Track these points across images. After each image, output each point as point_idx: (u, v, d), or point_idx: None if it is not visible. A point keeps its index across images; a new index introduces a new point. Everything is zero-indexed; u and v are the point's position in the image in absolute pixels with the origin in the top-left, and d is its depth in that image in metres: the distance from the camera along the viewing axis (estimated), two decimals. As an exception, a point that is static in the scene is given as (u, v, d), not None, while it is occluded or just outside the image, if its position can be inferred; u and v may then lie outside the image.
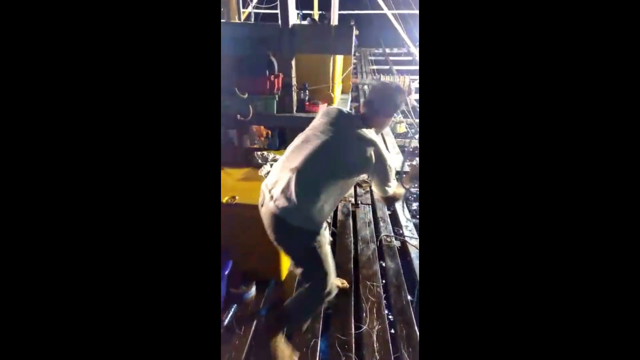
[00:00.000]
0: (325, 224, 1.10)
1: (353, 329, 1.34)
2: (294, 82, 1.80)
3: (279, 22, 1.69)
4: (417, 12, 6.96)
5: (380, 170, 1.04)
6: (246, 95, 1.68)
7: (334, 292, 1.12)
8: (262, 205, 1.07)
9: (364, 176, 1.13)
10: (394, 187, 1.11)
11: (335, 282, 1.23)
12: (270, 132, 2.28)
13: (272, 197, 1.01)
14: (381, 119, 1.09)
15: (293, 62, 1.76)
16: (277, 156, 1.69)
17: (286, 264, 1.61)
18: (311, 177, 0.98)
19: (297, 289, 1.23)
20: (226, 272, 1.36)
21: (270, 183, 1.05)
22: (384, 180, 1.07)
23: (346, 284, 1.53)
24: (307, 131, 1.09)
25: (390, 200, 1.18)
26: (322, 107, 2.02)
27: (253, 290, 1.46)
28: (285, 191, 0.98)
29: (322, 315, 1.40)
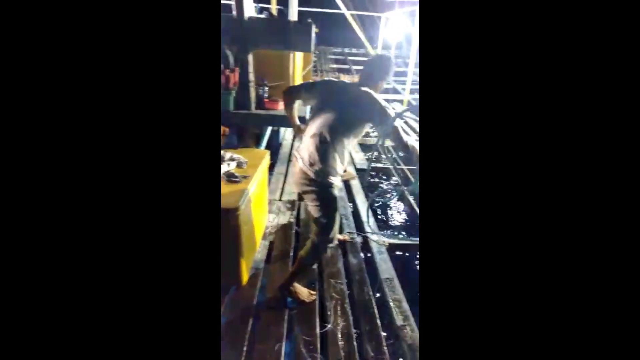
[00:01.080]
0: (338, 176, 1.32)
1: (318, 329, 1.33)
2: (251, 77, 1.73)
3: (234, 13, 1.60)
4: (375, 14, 7.17)
5: (382, 116, 1.20)
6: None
7: (335, 240, 1.39)
8: (293, 166, 1.37)
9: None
10: (404, 135, 1.23)
11: (338, 236, 1.77)
12: (227, 129, 2.17)
13: (298, 158, 1.32)
14: (375, 83, 1.30)
15: (250, 57, 1.68)
16: (235, 155, 1.61)
17: (247, 268, 1.54)
18: (326, 139, 1.22)
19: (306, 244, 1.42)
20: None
21: (299, 148, 1.33)
22: (388, 125, 1.20)
23: (347, 238, 1.95)
24: (318, 104, 1.32)
25: (410, 151, 1.26)
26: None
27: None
28: (308, 153, 1.27)
29: (285, 318, 1.37)
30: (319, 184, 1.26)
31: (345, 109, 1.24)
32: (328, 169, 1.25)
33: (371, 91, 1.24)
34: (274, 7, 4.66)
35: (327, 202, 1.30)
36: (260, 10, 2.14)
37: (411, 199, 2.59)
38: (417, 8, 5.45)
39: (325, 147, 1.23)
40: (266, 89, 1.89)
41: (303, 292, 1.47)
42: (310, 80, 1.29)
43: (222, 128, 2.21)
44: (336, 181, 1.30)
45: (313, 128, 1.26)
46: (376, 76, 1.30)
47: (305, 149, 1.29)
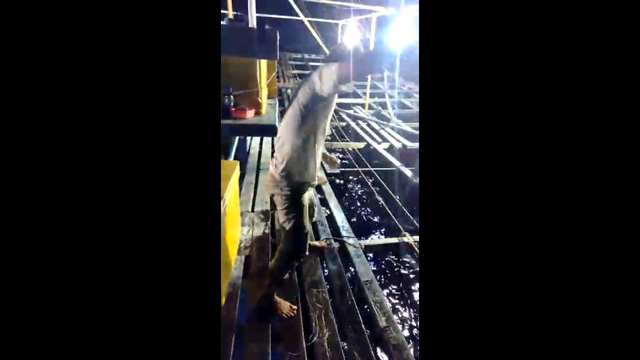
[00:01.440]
0: (305, 182, 1.25)
1: (304, 342, 1.30)
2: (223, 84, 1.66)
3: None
4: (333, 21, 7.35)
5: (317, 74, 1.05)
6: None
7: (306, 249, 1.30)
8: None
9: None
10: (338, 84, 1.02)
11: (314, 243, 1.79)
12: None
13: (271, 160, 1.29)
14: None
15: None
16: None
17: (224, 286, 1.46)
18: (283, 137, 1.18)
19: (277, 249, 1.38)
20: None
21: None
22: (320, 79, 1.03)
23: (325, 245, 1.91)
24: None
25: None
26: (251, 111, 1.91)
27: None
28: (274, 157, 1.25)
29: (269, 334, 1.32)
30: (283, 185, 1.21)
31: (292, 98, 1.17)
32: (291, 169, 1.19)
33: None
34: (230, 13, 4.53)
35: (292, 205, 1.23)
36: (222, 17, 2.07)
37: (381, 200, 2.68)
38: (371, 16, 5.70)
39: (283, 144, 1.18)
40: (232, 97, 1.82)
41: (284, 306, 1.42)
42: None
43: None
44: (303, 183, 1.23)
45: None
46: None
47: (276, 150, 1.25)
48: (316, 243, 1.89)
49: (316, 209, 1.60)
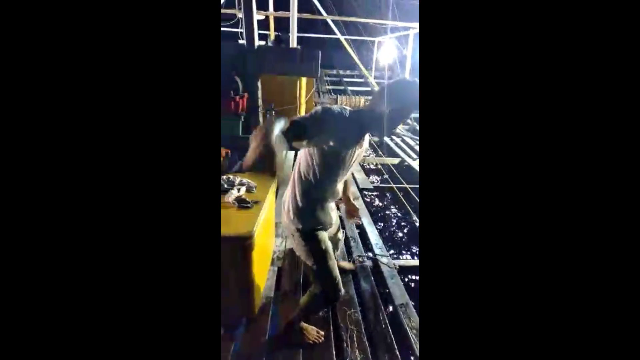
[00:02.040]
0: (320, 224, 1.11)
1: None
2: (259, 103, 1.74)
3: (243, 41, 1.63)
4: (368, 39, 7.48)
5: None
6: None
7: (341, 293, 1.17)
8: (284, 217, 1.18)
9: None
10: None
11: (342, 264, 1.69)
12: (229, 151, 2.16)
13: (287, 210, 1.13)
14: (385, 115, 0.92)
15: (259, 83, 1.70)
16: (244, 179, 1.59)
17: (258, 297, 1.48)
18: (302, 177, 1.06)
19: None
20: None
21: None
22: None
23: (353, 266, 1.82)
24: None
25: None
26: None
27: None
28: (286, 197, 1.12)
29: (300, 354, 1.29)
30: (294, 230, 1.10)
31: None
32: (297, 214, 1.07)
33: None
34: (272, 33, 4.82)
35: (309, 252, 1.12)
36: (261, 38, 2.20)
37: (416, 219, 2.58)
38: (408, 33, 5.70)
39: (299, 188, 1.05)
40: (274, 113, 1.91)
41: (311, 332, 1.36)
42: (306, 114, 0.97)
43: (223, 150, 2.20)
44: (321, 232, 1.10)
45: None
46: (389, 106, 0.91)
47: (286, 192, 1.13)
48: (344, 264, 1.83)
49: (341, 241, 1.43)
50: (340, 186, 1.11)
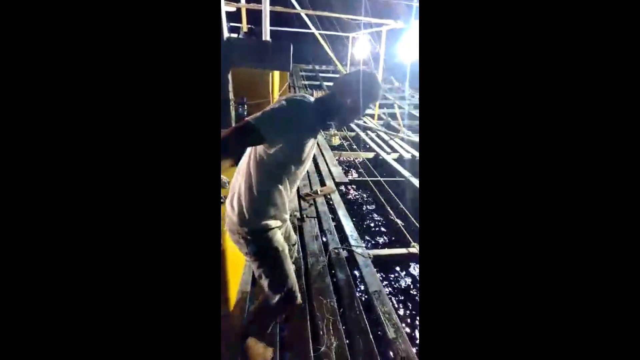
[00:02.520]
0: (276, 221, 0.97)
1: (312, 352, 1.29)
2: (231, 96, 1.71)
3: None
4: (344, 34, 7.51)
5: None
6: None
7: (297, 298, 1.03)
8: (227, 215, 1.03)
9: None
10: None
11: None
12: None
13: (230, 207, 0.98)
14: (346, 104, 0.90)
15: (229, 76, 1.67)
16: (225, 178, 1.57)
17: (234, 293, 1.47)
18: (242, 169, 0.95)
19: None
20: None
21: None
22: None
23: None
24: None
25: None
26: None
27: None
28: (229, 195, 0.98)
29: (277, 342, 1.31)
30: (244, 232, 0.93)
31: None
32: (251, 209, 0.91)
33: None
34: (244, 26, 4.70)
35: (261, 256, 0.96)
36: (232, 30, 2.15)
37: (390, 210, 2.67)
38: (381, 29, 5.80)
39: (241, 177, 0.93)
40: (246, 107, 1.88)
41: (257, 352, 1.17)
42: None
43: None
44: (277, 232, 0.97)
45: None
46: (346, 95, 0.89)
47: (231, 186, 0.99)
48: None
49: (295, 247, 1.22)
50: (299, 181, 1.00)
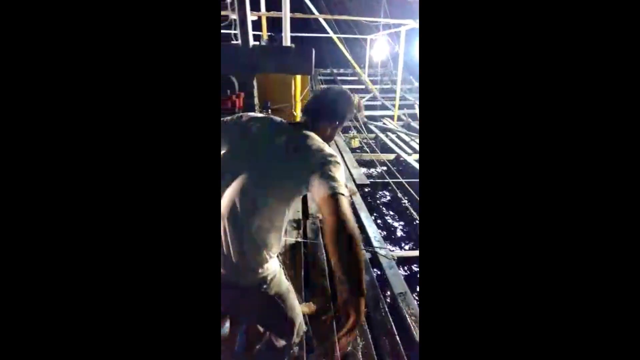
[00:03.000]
0: (270, 259, 0.84)
1: (338, 352, 1.30)
2: (256, 101, 1.78)
3: (238, 41, 1.67)
4: (360, 37, 7.52)
5: (324, 166, 0.75)
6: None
7: (303, 331, 1.01)
8: None
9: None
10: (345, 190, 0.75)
11: (302, 308, 1.10)
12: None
13: None
14: (324, 126, 0.88)
15: (254, 82, 1.74)
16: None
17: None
18: (239, 222, 0.76)
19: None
20: None
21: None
22: (329, 178, 0.73)
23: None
24: (227, 157, 0.84)
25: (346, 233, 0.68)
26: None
27: (227, 326, 1.33)
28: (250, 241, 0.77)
29: (304, 341, 1.33)
30: (242, 287, 0.81)
31: (270, 165, 0.79)
32: (250, 262, 0.79)
33: (314, 136, 0.83)
34: (264, 33, 4.84)
35: (267, 311, 0.88)
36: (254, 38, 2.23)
37: (412, 211, 2.63)
38: (400, 30, 5.75)
39: (240, 232, 0.76)
40: (269, 111, 1.94)
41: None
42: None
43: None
44: (270, 270, 0.84)
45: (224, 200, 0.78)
46: (325, 117, 0.88)
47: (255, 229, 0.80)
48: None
49: None
50: None
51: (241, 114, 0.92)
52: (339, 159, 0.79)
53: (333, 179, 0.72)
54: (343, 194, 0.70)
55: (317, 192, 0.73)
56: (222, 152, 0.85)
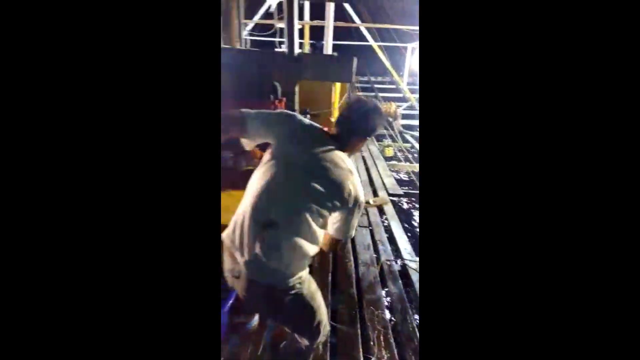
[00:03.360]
0: (306, 263, 0.88)
1: (362, 360, 1.29)
2: (296, 107, 1.84)
3: (279, 49, 1.74)
4: (399, 44, 7.44)
5: (353, 209, 0.86)
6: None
7: (328, 331, 1.03)
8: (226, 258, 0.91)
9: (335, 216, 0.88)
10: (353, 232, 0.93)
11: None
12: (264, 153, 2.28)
13: (232, 249, 0.86)
14: (355, 141, 0.91)
15: (297, 88, 1.80)
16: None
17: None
18: (276, 223, 0.79)
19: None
20: (230, 302, 1.28)
21: (231, 232, 0.87)
22: (351, 223, 0.89)
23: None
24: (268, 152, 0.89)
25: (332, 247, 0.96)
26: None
27: (256, 319, 1.38)
28: (245, 242, 0.81)
29: (328, 349, 1.34)
30: (271, 290, 0.83)
31: (310, 177, 0.81)
32: (282, 266, 0.81)
33: (354, 171, 0.87)
34: (306, 42, 4.99)
35: (297, 310, 0.89)
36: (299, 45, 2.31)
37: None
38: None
39: (275, 236, 0.79)
40: (308, 116, 2.00)
41: None
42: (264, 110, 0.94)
43: (257, 151, 2.32)
44: (304, 273, 0.87)
45: (252, 197, 0.82)
46: (357, 132, 0.89)
47: (239, 233, 0.82)
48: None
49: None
50: None
51: (293, 112, 0.95)
52: (362, 198, 0.87)
53: (351, 227, 0.90)
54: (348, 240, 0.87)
55: (332, 227, 0.90)
56: (270, 140, 0.88)
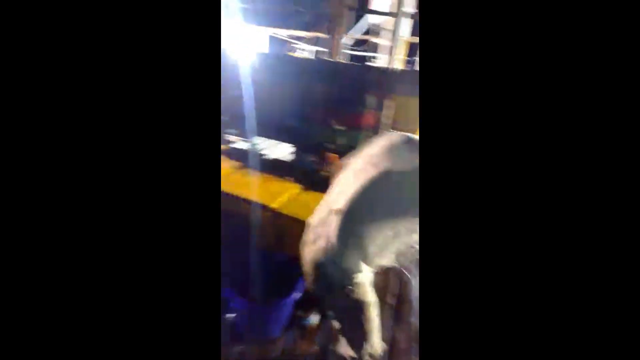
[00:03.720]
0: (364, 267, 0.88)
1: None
2: (383, 120, 1.87)
3: (369, 63, 1.79)
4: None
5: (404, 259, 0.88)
6: (343, 128, 1.83)
7: (380, 348, 0.97)
8: (305, 245, 0.94)
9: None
10: None
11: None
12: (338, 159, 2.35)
13: (313, 240, 0.90)
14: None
15: (389, 102, 1.84)
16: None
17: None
18: (357, 221, 0.81)
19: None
20: (298, 294, 1.32)
21: (315, 222, 0.92)
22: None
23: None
24: (359, 159, 0.90)
25: None
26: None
27: (316, 318, 1.41)
28: (326, 235, 0.84)
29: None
30: (332, 283, 0.85)
31: (397, 191, 0.81)
32: (349, 260, 0.82)
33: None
34: (404, 57, 4.98)
35: (346, 312, 0.90)
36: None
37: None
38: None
39: (349, 228, 0.81)
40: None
41: None
42: None
43: (334, 156, 2.39)
44: (359, 276, 0.85)
45: (340, 199, 0.84)
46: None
47: (321, 224, 0.86)
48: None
49: None
50: None
51: (406, 134, 0.95)
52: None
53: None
54: None
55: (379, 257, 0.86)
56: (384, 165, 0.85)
